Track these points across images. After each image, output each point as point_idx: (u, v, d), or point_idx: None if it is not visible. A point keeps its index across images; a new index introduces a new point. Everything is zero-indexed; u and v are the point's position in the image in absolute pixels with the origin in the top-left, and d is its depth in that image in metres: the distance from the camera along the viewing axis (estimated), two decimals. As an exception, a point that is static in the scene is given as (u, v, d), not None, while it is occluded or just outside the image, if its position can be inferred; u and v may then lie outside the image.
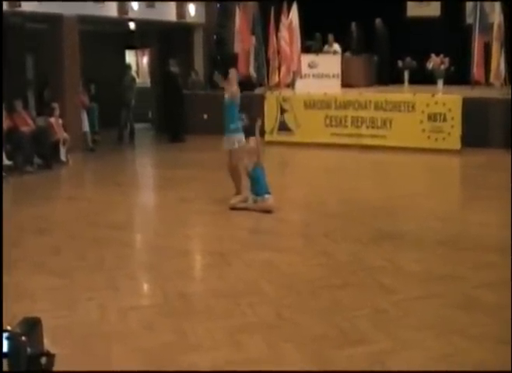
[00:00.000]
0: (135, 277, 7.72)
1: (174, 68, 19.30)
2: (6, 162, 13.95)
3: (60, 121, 15.76)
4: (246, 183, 10.73)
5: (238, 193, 10.76)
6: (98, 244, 8.89)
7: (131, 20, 19.92)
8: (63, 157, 15.52)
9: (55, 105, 15.75)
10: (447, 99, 16.34)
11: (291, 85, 19.32)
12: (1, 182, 12.54)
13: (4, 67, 15.15)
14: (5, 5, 14.84)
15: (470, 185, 12.93)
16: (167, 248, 8.70)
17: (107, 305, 6.64)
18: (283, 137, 18.03)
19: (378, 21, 21.09)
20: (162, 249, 8.70)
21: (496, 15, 17.41)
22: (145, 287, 7.68)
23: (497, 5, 17.44)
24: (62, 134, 15.59)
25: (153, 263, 8.20)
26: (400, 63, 20.14)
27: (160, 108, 21.17)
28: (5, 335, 2.72)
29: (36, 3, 15.63)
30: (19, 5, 15.23)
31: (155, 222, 10.65)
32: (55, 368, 2.33)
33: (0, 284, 6.77)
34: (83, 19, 17.29)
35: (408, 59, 20.05)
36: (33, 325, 2.80)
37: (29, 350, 2.71)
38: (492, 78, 17.37)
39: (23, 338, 2.70)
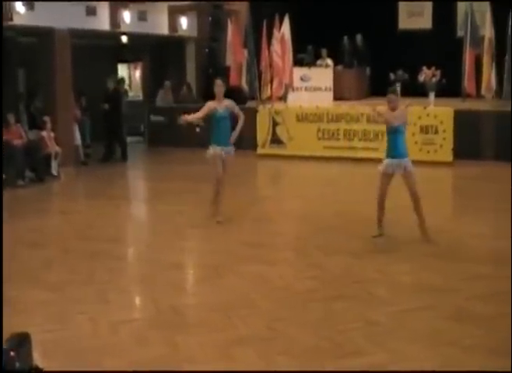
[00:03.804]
0: (126, 291, 7.69)
1: (112, 85, 18.53)
2: (-3, 175, 13.93)
3: (52, 134, 15.75)
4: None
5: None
6: (90, 257, 8.87)
7: (124, 33, 19.94)
8: (55, 170, 15.50)
9: (47, 118, 15.74)
10: (439, 112, 16.40)
11: (283, 98, 19.37)
12: (1, 192, 12.58)
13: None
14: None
15: (462, 197, 12.95)
16: (159, 261, 8.67)
17: (99, 318, 6.62)
18: (275, 150, 18.04)
19: (359, 37, 21.14)
20: (154, 262, 8.68)
21: (487, 28, 17.52)
22: (137, 300, 7.65)
23: (488, 18, 17.54)
24: (54, 148, 15.58)
25: (145, 276, 8.18)
26: (392, 76, 20.16)
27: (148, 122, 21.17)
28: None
29: (27, 17, 15.65)
30: (11, 19, 15.23)
31: (147, 235, 10.62)
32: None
33: (0, 294, 6.79)
34: (75, 33, 17.30)
35: (399, 72, 20.08)
36: (21, 341, 2.80)
37: (17, 364, 2.70)
38: (483, 91, 17.46)
39: (12, 353, 2.69)
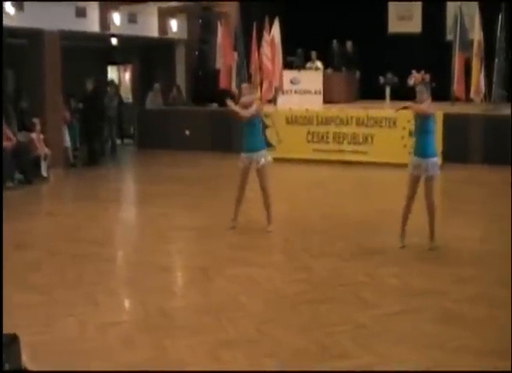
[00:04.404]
0: (115, 293, 7.68)
1: (91, 86, 17.97)
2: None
3: (41, 136, 15.72)
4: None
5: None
6: (78, 260, 8.85)
7: (113, 36, 19.93)
8: (44, 172, 15.46)
9: (36, 120, 15.71)
10: (428, 115, 16.39)
11: (273, 100, 19.39)
12: (1, 192, 12.57)
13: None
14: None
15: (450, 200, 12.98)
16: (148, 263, 8.67)
17: (87, 321, 6.61)
18: (265, 152, 18.03)
19: (349, 43, 21.18)
20: (142, 264, 8.67)
21: (476, 32, 17.59)
22: (126, 302, 7.65)
23: (477, 22, 17.61)
24: (43, 150, 15.54)
25: (134, 279, 8.17)
26: (381, 79, 20.21)
27: (141, 123, 21.16)
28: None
29: (17, 18, 15.62)
30: None
31: (136, 238, 10.61)
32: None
33: (0, 291, 6.77)
34: (65, 35, 17.28)
35: (389, 75, 20.14)
36: (10, 342, 2.80)
37: (6, 366, 2.71)
38: (472, 95, 17.51)
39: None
